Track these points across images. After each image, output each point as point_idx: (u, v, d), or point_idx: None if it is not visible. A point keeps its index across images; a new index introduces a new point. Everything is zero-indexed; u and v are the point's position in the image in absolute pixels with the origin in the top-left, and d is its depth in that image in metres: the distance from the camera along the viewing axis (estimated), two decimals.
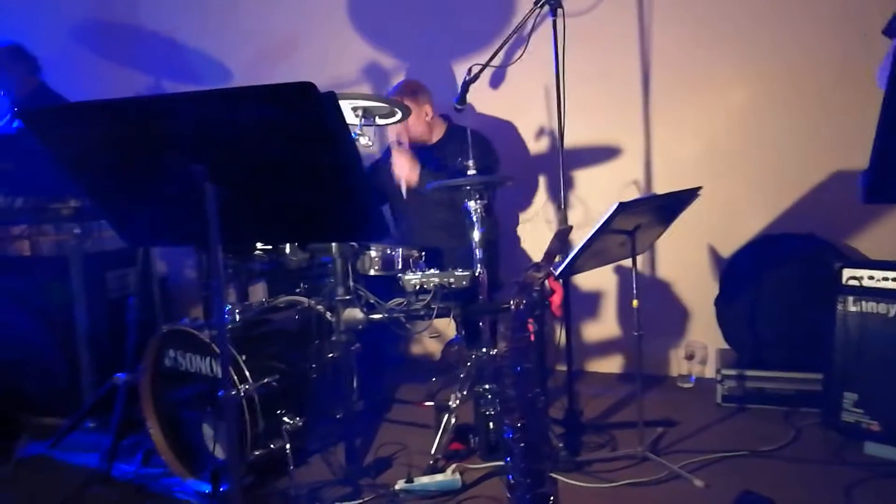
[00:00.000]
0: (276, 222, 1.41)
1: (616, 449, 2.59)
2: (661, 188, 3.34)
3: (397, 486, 2.29)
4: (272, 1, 3.89)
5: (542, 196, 3.58)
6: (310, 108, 1.15)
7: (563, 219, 2.76)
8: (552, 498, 1.24)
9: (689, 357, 3.33)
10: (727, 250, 3.27)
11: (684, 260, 3.39)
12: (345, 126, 1.20)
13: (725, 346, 3.18)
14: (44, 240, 3.00)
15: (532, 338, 1.18)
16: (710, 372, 3.29)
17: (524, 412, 1.19)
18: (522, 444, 1.19)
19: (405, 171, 2.94)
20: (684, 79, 3.29)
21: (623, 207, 2.14)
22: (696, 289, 3.37)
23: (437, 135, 3.25)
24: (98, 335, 2.98)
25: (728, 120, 3.27)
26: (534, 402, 1.21)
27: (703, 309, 3.27)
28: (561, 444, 2.48)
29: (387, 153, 3.38)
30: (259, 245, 2.44)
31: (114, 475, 2.48)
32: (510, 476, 1.24)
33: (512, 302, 1.16)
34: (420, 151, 3.25)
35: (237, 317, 2.46)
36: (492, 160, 3.12)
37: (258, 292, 3.50)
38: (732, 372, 2.97)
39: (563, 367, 2.78)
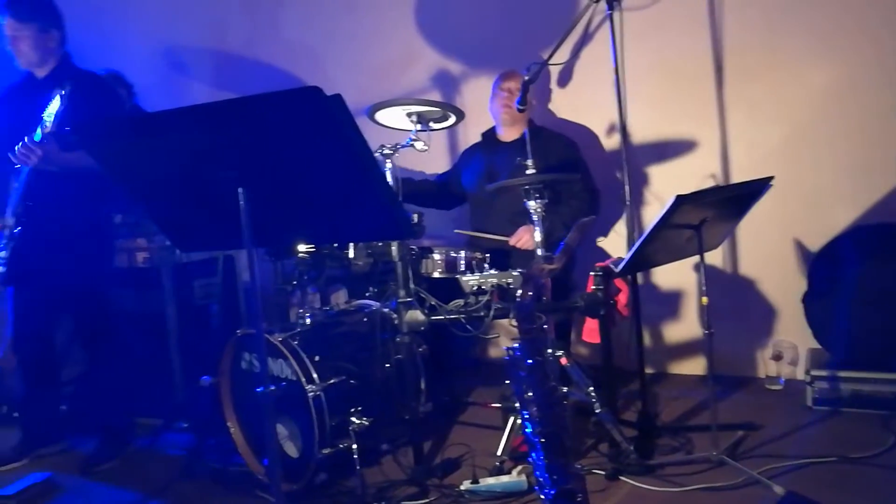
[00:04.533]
0: (303, 224, 1.47)
1: (691, 453, 2.48)
2: (741, 179, 3.17)
3: (462, 487, 2.30)
4: (346, 14, 4.00)
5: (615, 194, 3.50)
6: (318, 111, 1.20)
7: (629, 216, 2.69)
8: (579, 496, 1.21)
9: (777, 358, 3.14)
10: (815, 243, 3.06)
11: (768, 255, 3.21)
12: (354, 127, 1.24)
13: (816, 345, 2.99)
14: (139, 252, 3.22)
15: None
16: (801, 373, 3.08)
17: (540, 406, 1.17)
18: (543, 440, 1.17)
19: (525, 240, 2.95)
20: (760, 63, 3.11)
21: (682, 200, 2.07)
22: (783, 285, 3.18)
23: (516, 132, 3.18)
24: (188, 340, 3.18)
25: (810, 104, 3.07)
26: (550, 396, 1.18)
27: (791, 306, 3.09)
28: (631, 447, 2.41)
29: (464, 155, 3.43)
30: (301, 248, 2.51)
31: (200, 470, 2.64)
32: (536, 473, 1.21)
33: (518, 293, 1.15)
34: (498, 150, 3.25)
35: (307, 320, 2.56)
36: (581, 165, 3.11)
37: (340, 297, 3.64)
38: (823, 373, 2.79)
39: (650, 370, 2.66)
